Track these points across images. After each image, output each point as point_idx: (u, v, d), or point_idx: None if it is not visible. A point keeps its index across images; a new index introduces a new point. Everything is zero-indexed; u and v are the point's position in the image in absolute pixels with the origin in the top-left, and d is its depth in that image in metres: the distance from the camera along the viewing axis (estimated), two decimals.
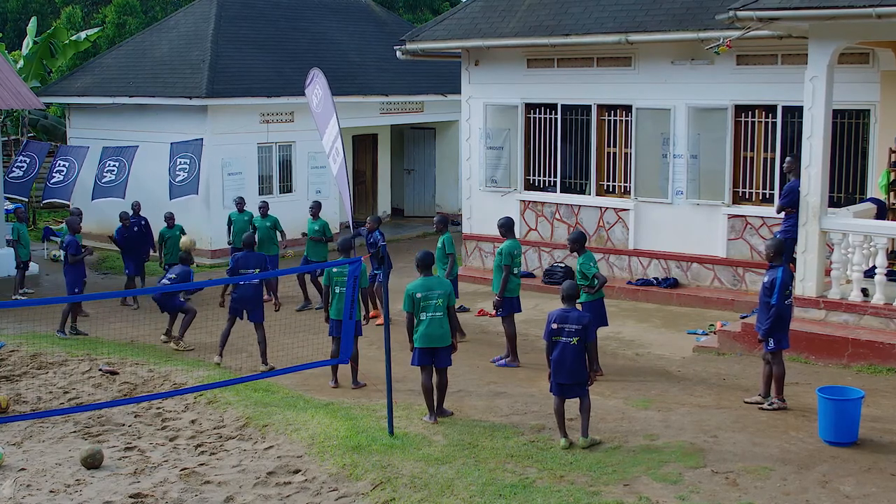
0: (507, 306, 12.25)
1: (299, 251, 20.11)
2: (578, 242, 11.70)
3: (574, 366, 9.13)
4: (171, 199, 18.32)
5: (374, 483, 8.49)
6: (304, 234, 16.47)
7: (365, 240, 15.54)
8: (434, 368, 10.01)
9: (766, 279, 10.19)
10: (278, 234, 16.77)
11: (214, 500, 8.38)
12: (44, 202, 21.45)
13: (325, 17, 25.35)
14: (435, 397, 10.00)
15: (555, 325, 9.18)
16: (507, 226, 12.50)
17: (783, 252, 10.40)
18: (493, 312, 14.33)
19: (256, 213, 16.94)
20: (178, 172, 18.60)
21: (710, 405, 10.42)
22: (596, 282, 11.40)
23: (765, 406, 10.20)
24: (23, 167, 19.35)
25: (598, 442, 9.25)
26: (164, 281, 13.87)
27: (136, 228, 16.88)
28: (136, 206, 17.11)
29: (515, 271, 12.26)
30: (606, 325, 11.82)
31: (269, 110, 21.52)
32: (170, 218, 16.87)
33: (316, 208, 16.34)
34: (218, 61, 21.27)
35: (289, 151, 22.13)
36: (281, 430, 9.91)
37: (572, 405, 9.38)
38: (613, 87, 16.22)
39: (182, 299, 14.03)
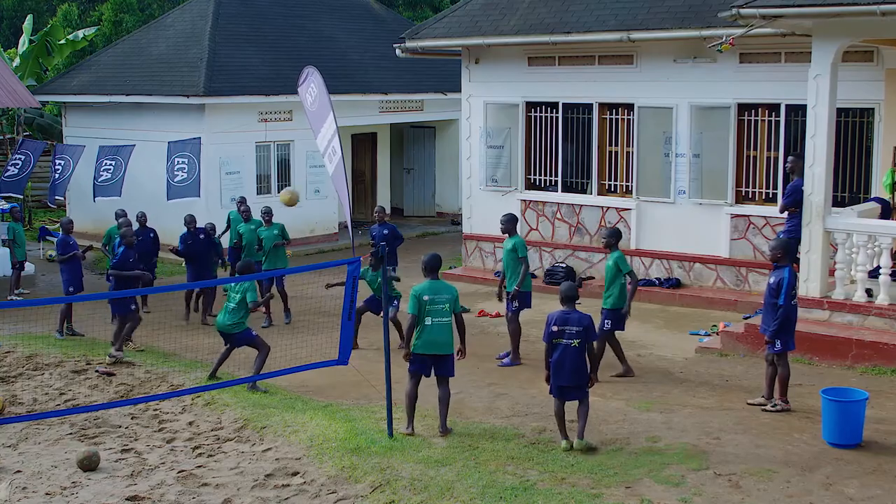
0: (522, 301, 12.17)
1: (299, 251, 20.03)
2: (615, 237, 11.57)
3: (575, 368, 9.02)
4: (168, 199, 18.16)
5: (373, 485, 8.41)
6: (259, 248, 15.47)
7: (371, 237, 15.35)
8: (436, 379, 9.66)
9: (771, 280, 10.09)
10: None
11: (212, 502, 8.30)
12: (53, 201, 21.11)
13: (324, 14, 25.25)
14: (439, 411, 9.67)
15: (555, 328, 9.07)
16: (512, 221, 12.41)
17: (789, 252, 10.30)
18: (495, 313, 14.25)
19: (259, 215, 16.28)
20: (176, 172, 18.41)
21: (713, 407, 10.34)
22: (629, 279, 11.29)
23: (768, 408, 10.10)
24: (17, 164, 19.24)
25: (595, 447, 9.13)
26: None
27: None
28: (142, 218, 15.96)
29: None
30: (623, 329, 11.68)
31: (268, 109, 21.42)
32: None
33: (268, 214, 15.60)
34: (215, 59, 21.17)
35: (287, 150, 22.03)
36: (279, 431, 9.82)
37: (574, 406, 9.28)
38: (615, 85, 16.13)
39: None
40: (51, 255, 19.77)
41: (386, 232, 14.80)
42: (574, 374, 9.03)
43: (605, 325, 11.38)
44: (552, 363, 9.09)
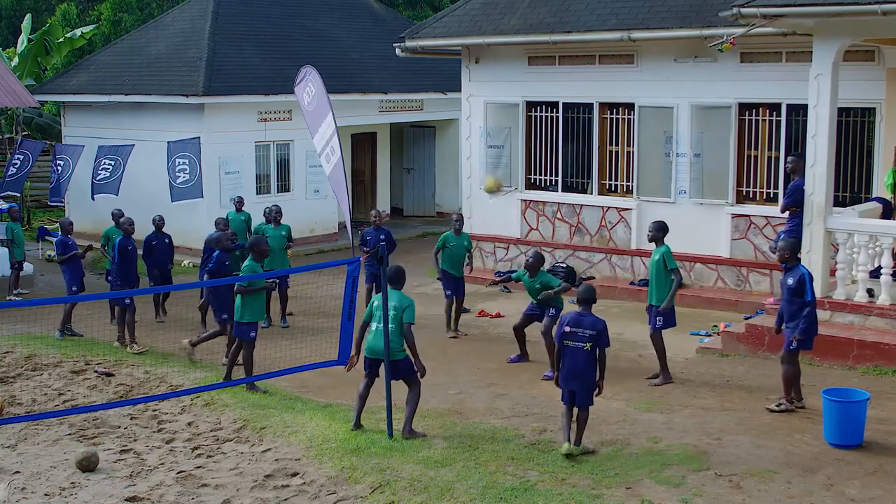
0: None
1: (299, 251, 19.97)
2: (662, 231, 11.38)
3: (583, 372, 8.97)
4: (172, 201, 18.11)
5: (373, 486, 8.39)
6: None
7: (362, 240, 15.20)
8: (404, 382, 9.70)
9: (790, 281, 9.96)
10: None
11: (211, 503, 8.26)
12: (52, 202, 20.95)
13: (324, 14, 25.22)
14: (405, 411, 9.68)
15: (567, 328, 9.02)
16: (541, 260, 12.11)
17: (797, 252, 10.28)
18: (495, 313, 14.23)
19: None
20: (178, 174, 18.38)
21: (714, 407, 10.32)
22: (673, 278, 11.13)
23: (772, 407, 10.07)
24: (17, 165, 19.23)
25: (592, 450, 9.09)
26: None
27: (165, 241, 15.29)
28: (159, 222, 15.34)
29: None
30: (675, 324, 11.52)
31: (267, 108, 21.38)
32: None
33: (278, 213, 15.36)
34: (215, 59, 21.14)
35: (287, 150, 22.00)
36: (279, 432, 9.80)
37: None
38: (616, 84, 16.11)
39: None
40: (49, 255, 19.75)
41: (382, 237, 14.50)
42: (582, 377, 8.97)
43: (658, 322, 11.22)
44: (563, 367, 9.05)
